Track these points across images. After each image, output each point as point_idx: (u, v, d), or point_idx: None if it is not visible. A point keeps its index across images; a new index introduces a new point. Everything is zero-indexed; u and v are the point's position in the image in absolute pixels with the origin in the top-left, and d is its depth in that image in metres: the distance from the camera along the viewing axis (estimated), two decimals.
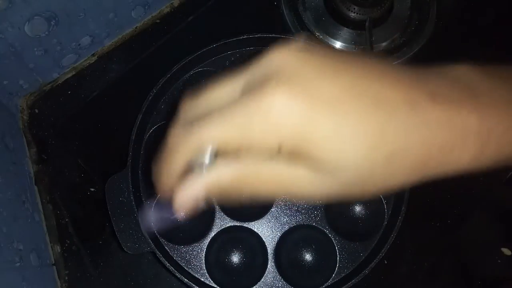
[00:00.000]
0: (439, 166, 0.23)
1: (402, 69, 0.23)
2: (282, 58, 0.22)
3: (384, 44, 0.62)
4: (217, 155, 0.23)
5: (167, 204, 0.25)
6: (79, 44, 0.58)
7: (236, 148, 0.22)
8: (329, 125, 0.21)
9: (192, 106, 0.25)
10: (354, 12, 0.60)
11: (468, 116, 0.21)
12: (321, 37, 0.62)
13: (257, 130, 0.21)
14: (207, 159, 0.23)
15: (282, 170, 0.22)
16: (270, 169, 0.23)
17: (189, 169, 0.24)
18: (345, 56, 0.24)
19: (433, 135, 0.21)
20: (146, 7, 0.62)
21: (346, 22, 0.62)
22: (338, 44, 0.61)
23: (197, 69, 0.54)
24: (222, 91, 0.24)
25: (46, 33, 0.52)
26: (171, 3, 0.64)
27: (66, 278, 0.55)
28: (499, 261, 0.57)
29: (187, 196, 0.24)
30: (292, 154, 0.22)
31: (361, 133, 0.21)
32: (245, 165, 0.23)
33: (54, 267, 0.55)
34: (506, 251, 0.57)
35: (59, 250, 0.55)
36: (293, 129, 0.21)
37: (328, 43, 0.61)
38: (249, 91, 0.22)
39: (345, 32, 0.62)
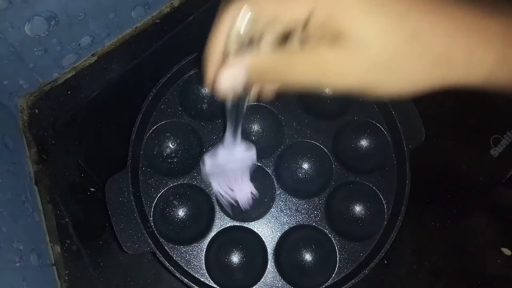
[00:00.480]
0: (461, 68, 0.23)
1: None
2: None
3: None
4: (253, 40, 0.25)
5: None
6: (79, 44, 0.58)
7: (271, 15, 0.24)
8: None
9: None
10: None
11: (493, 20, 0.23)
12: None
13: None
14: (243, 27, 0.25)
15: (314, 50, 0.24)
16: (303, 50, 0.24)
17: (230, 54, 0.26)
18: None
19: (457, 31, 0.22)
20: (146, 7, 0.62)
21: None
22: None
23: (197, 69, 0.54)
24: None
25: (46, 33, 0.52)
26: (171, 3, 0.64)
27: (66, 278, 0.55)
28: (499, 261, 0.57)
29: (227, 75, 0.25)
30: (320, 29, 0.23)
31: (390, 10, 0.22)
32: (279, 49, 0.25)
33: (54, 267, 0.55)
34: (506, 251, 0.57)
35: (59, 250, 0.55)
36: None
37: None
38: None
39: None
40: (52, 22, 0.51)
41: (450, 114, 0.61)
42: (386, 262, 0.55)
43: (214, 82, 0.26)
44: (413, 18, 0.22)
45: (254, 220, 0.50)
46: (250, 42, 0.25)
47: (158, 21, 0.64)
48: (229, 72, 0.25)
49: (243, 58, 0.25)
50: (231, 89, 0.26)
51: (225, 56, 0.26)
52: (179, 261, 0.49)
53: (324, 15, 0.23)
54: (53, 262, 0.55)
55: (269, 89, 0.31)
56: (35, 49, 0.53)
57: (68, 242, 0.56)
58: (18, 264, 0.47)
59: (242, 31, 0.25)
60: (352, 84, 0.24)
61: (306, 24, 0.24)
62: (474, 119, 0.60)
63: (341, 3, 0.22)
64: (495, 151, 0.59)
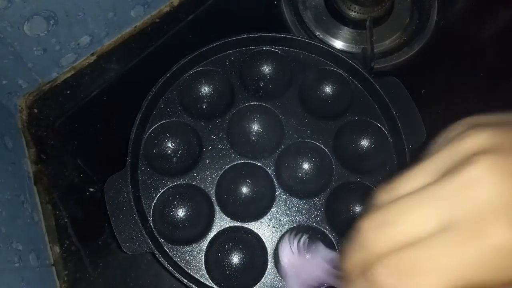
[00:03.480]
0: None
1: None
2: (477, 135, 0.20)
3: (384, 43, 0.62)
4: None
5: None
6: (78, 44, 0.58)
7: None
8: None
9: (383, 198, 0.22)
10: (354, 12, 0.60)
11: None
12: (321, 36, 0.61)
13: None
14: None
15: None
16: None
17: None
18: None
19: None
20: (146, 6, 0.61)
21: (346, 21, 0.61)
22: (338, 44, 0.61)
23: (196, 69, 0.54)
24: (413, 180, 0.22)
25: (45, 32, 0.52)
26: (171, 2, 0.64)
27: (66, 278, 0.54)
28: None
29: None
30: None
31: None
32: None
33: (53, 267, 0.54)
34: None
35: (58, 251, 0.55)
36: None
37: (329, 42, 0.61)
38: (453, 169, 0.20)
39: (346, 31, 0.62)
40: (51, 22, 0.51)
41: (452, 114, 0.60)
42: None
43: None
44: None
45: (254, 220, 0.50)
46: None
47: (157, 20, 0.64)
48: None
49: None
50: None
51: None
52: (178, 262, 0.48)
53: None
54: (52, 263, 0.55)
55: None
56: (34, 48, 0.53)
57: (67, 242, 0.56)
58: (17, 265, 0.46)
59: None
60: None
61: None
62: None
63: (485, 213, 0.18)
64: None
